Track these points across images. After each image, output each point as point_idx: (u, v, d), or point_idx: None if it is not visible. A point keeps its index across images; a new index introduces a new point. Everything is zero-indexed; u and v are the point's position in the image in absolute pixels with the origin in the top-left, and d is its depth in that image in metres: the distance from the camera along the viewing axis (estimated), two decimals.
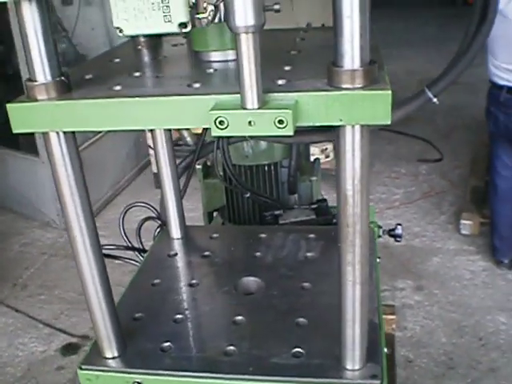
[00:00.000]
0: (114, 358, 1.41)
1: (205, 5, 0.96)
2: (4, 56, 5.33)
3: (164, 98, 1.11)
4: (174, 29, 0.96)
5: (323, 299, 1.55)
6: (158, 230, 2.09)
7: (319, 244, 1.87)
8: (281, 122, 1.03)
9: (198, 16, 0.97)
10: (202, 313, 1.56)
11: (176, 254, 1.86)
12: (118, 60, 1.46)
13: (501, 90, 3.66)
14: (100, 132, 5.28)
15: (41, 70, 1.15)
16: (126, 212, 2.09)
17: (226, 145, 1.99)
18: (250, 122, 1.03)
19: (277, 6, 1.01)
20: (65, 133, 1.20)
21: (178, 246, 1.92)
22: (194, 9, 0.96)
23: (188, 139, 2.12)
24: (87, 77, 1.28)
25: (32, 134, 4.85)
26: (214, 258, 1.83)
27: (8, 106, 1.16)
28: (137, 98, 1.11)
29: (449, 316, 3.73)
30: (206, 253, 1.85)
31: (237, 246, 1.90)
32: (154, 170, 5.44)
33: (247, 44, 0.98)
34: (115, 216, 5.06)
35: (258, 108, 1.03)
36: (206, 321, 1.53)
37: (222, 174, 2.15)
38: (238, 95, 1.05)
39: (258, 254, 1.82)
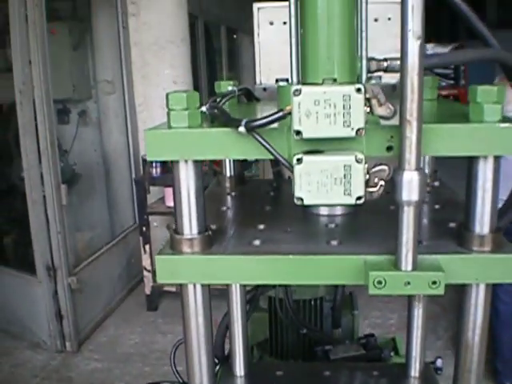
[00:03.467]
0: None
1: (376, 180, 1.05)
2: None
3: (311, 256, 1.18)
4: (352, 201, 1.04)
5: None
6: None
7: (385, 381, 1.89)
8: (434, 282, 1.10)
9: (369, 190, 1.05)
10: None
11: None
12: (224, 208, 1.54)
13: None
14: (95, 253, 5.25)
15: (188, 225, 1.21)
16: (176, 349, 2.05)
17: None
18: (406, 283, 1.10)
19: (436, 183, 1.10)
20: (202, 285, 1.24)
21: None
22: (366, 182, 1.05)
23: None
24: (213, 227, 1.34)
25: (28, 255, 4.81)
26: None
27: (156, 257, 1.20)
28: (283, 256, 1.18)
29: None
30: None
31: None
32: (147, 291, 5.39)
33: (408, 215, 1.08)
34: (107, 339, 4.94)
35: (413, 270, 1.11)
36: None
37: (267, 307, 2.18)
38: (390, 256, 1.13)
39: None
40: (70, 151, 5.68)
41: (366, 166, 1.05)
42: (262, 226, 1.35)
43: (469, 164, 1.17)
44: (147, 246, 5.21)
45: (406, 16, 1.01)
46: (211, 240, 1.24)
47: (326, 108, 1.01)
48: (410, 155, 1.04)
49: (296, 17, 1.31)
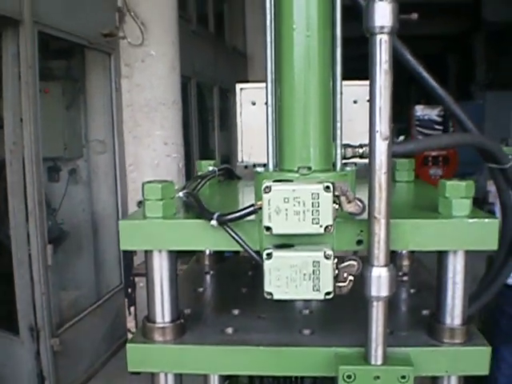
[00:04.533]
0: None
1: (345, 275, 1.07)
2: None
3: (282, 348, 1.18)
4: (321, 297, 1.05)
5: None
6: None
7: None
8: (403, 377, 1.10)
9: (338, 284, 1.07)
10: None
11: None
12: (201, 289, 1.54)
13: None
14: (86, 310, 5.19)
15: (161, 313, 1.21)
16: None
17: None
18: (375, 377, 1.10)
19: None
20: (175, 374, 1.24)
21: None
22: (335, 277, 1.06)
23: None
24: (186, 311, 1.34)
25: (12, 313, 4.74)
26: None
27: (128, 345, 1.20)
28: (254, 347, 1.18)
29: None
30: None
31: None
32: None
33: (377, 310, 1.09)
34: None
35: (383, 364, 1.11)
36: None
37: None
38: (360, 349, 1.14)
39: None
40: (58, 209, 5.68)
41: (335, 260, 1.07)
42: (236, 312, 1.35)
43: (438, 257, 1.19)
44: (132, 308, 5.14)
45: (373, 117, 1.04)
46: (184, 328, 1.24)
47: (295, 205, 1.04)
48: (379, 251, 1.05)
49: (273, 105, 1.35)
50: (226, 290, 1.56)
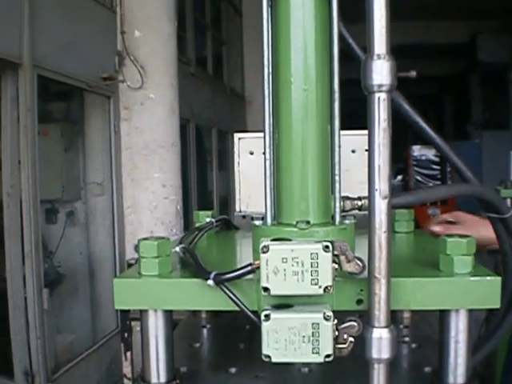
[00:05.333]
0: None
1: (345, 336, 1.04)
2: None
3: None
4: (320, 360, 1.02)
5: None
6: None
7: None
8: None
9: (338, 346, 1.04)
10: None
11: None
12: (198, 345, 1.51)
13: None
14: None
15: (156, 374, 1.18)
16: None
17: None
18: None
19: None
20: None
21: None
22: (335, 339, 1.03)
23: None
24: (182, 369, 1.31)
25: (7, 357, 4.66)
26: None
27: None
28: None
29: None
30: None
31: None
32: None
33: (378, 373, 1.06)
34: None
35: None
36: None
37: None
38: None
39: None
40: (55, 252, 5.64)
41: (335, 322, 1.04)
42: (233, 370, 1.32)
43: (440, 315, 1.16)
44: (128, 353, 5.05)
45: (372, 176, 1.03)
46: None
47: (293, 265, 1.01)
48: (380, 312, 1.03)
49: (271, 159, 1.34)
50: (223, 346, 1.53)
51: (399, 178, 20.00)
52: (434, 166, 15.84)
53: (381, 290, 1.02)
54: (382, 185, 1.02)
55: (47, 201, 5.47)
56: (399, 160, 16.89)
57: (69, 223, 5.90)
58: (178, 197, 5.90)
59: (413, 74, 1.11)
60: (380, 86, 1.02)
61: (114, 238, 5.83)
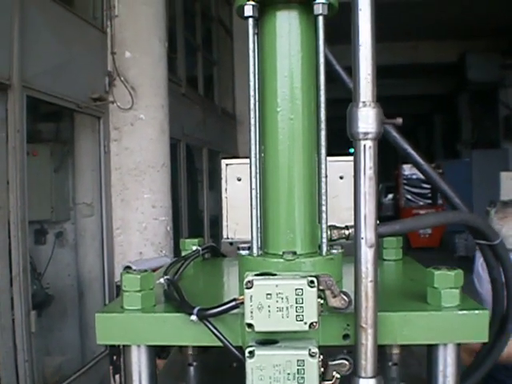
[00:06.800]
0: None
1: (334, 373, 1.02)
2: None
3: None
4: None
5: None
6: None
7: None
8: None
9: (324, 383, 1.02)
10: None
11: None
12: None
13: None
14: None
15: None
16: None
17: None
18: None
19: None
20: None
21: None
22: (322, 375, 1.01)
23: None
24: None
25: None
26: None
27: None
28: None
29: None
30: None
31: None
32: None
33: None
34: None
35: None
36: None
37: None
38: None
39: None
40: (44, 273, 5.59)
41: (321, 358, 1.02)
42: None
43: (428, 349, 1.15)
44: (117, 376, 4.99)
45: (358, 224, 1.02)
46: None
47: (278, 301, 1.00)
48: (366, 362, 1.01)
49: (257, 188, 1.33)
50: None
51: (390, 196, 20.04)
52: (425, 185, 15.89)
53: (367, 340, 1.00)
54: (368, 233, 1.01)
55: (36, 222, 5.42)
56: (390, 178, 16.95)
57: (58, 244, 5.85)
58: (168, 217, 5.87)
59: (399, 121, 1.11)
60: (366, 133, 1.01)
61: (104, 259, 5.78)
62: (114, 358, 5.03)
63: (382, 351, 1.03)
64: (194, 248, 1.63)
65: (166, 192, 5.82)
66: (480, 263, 3.67)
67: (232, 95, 11.11)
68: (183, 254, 1.64)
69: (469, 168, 15.84)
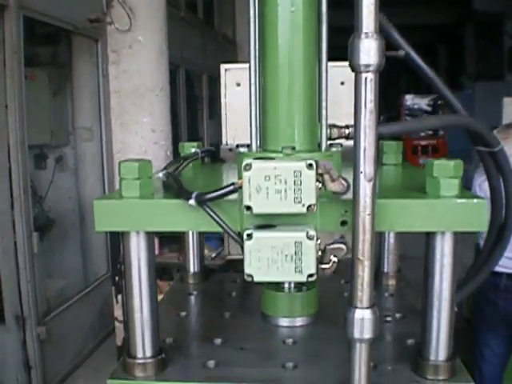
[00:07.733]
0: None
1: (331, 257, 1.03)
2: None
3: None
4: (303, 279, 1.02)
5: None
6: None
7: None
8: None
9: (322, 266, 1.03)
10: None
11: None
12: (184, 314, 1.52)
13: (500, 276, 3.76)
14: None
15: (141, 349, 1.18)
16: None
17: None
18: None
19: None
20: None
21: None
22: (319, 259, 1.02)
23: None
24: (168, 340, 1.32)
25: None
26: None
27: (109, 382, 1.18)
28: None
29: None
30: None
31: None
32: (118, 342, 5.25)
33: (360, 353, 1.06)
34: None
35: None
36: None
37: None
38: None
39: None
40: (45, 197, 5.61)
41: (319, 241, 1.03)
42: (218, 341, 1.34)
43: (426, 240, 1.15)
44: (119, 296, 5.10)
45: (358, 158, 1.00)
46: (165, 362, 1.21)
47: (276, 184, 0.99)
48: (362, 293, 1.02)
49: (256, 84, 1.30)
50: (208, 316, 1.53)
51: None
52: (427, 116, 15.76)
53: (364, 271, 1.01)
54: (367, 167, 0.99)
55: (36, 146, 5.40)
56: (391, 109, 16.78)
57: (58, 169, 5.85)
58: (168, 142, 5.84)
59: (401, 53, 1.08)
60: (367, 66, 0.99)
61: (104, 183, 5.80)
62: (116, 278, 5.13)
63: (378, 282, 1.04)
64: (193, 150, 1.62)
65: (165, 116, 5.77)
66: (478, 184, 3.67)
67: (232, 20, 10.87)
68: (182, 156, 1.64)
69: (472, 99, 15.68)
